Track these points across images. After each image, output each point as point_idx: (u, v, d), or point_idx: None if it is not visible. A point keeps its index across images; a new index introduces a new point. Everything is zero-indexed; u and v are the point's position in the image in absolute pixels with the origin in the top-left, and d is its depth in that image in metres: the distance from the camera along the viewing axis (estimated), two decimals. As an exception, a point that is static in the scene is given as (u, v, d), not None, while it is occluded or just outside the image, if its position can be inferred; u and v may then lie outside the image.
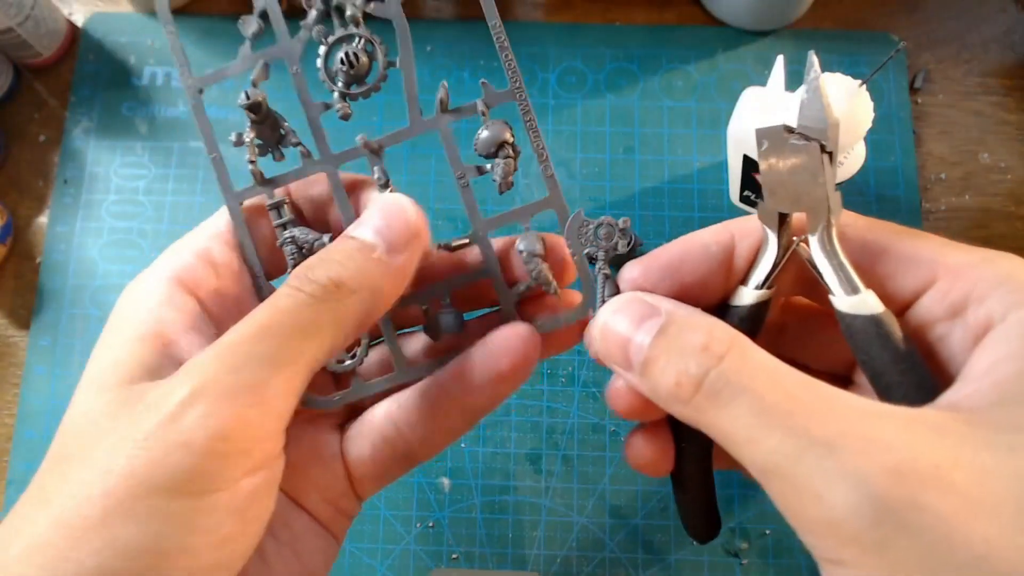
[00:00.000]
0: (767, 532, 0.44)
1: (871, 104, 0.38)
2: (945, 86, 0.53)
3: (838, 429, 0.17)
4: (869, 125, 0.38)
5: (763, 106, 0.42)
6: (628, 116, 0.52)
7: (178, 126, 0.51)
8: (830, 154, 0.22)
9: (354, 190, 0.28)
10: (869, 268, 0.23)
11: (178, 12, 0.54)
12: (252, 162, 0.27)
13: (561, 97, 0.52)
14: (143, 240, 0.49)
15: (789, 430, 0.18)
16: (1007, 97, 0.53)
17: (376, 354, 0.30)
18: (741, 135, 0.43)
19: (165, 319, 0.24)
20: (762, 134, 0.22)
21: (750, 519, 0.44)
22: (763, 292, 0.24)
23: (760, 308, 0.24)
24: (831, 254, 0.22)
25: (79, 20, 0.54)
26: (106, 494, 0.19)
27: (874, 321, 0.21)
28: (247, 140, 0.27)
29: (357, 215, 0.27)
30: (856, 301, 0.22)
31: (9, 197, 0.51)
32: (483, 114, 0.27)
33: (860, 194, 0.50)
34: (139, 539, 0.19)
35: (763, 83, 0.48)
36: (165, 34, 0.27)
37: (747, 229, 0.24)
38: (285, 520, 0.27)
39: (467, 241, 0.27)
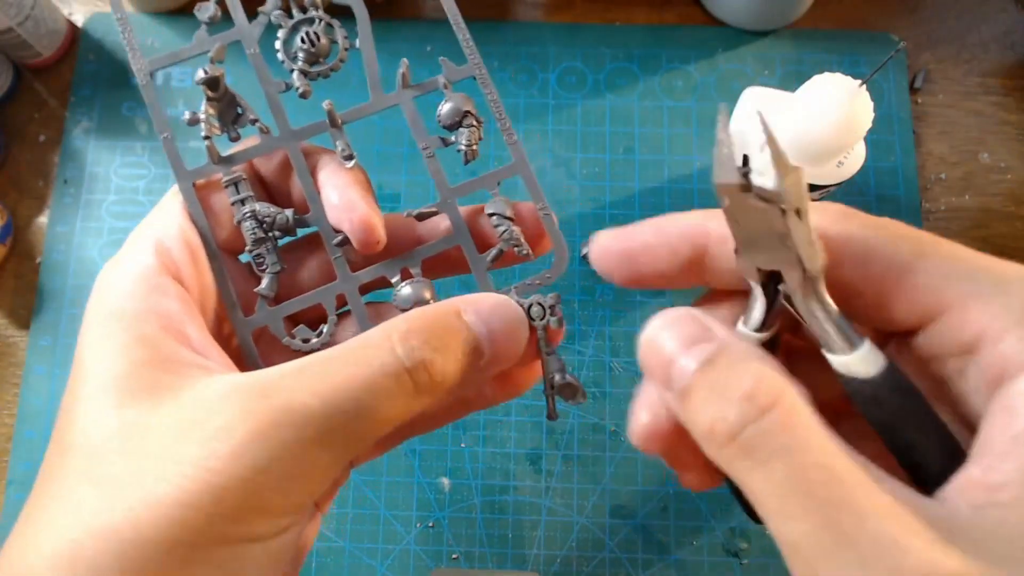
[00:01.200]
0: (767, 532, 0.44)
1: (871, 104, 0.38)
2: (945, 86, 0.53)
3: (874, 534, 0.16)
4: (869, 125, 0.38)
5: (763, 106, 0.42)
6: (628, 116, 0.52)
7: (178, 126, 0.51)
8: (798, 210, 0.19)
9: (313, 158, 0.27)
10: (865, 290, 0.20)
11: (178, 12, 0.54)
12: (207, 138, 0.26)
13: (561, 97, 0.52)
14: (143, 240, 0.49)
15: (824, 520, 0.16)
16: (1007, 97, 0.53)
17: (347, 330, 0.28)
18: (741, 135, 0.43)
19: (166, 311, 0.23)
20: (722, 190, 0.19)
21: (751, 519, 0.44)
22: (762, 335, 0.21)
23: (766, 345, 0.22)
24: (817, 309, 0.20)
25: (79, 20, 0.54)
26: (167, 540, 0.19)
27: (873, 384, 0.19)
28: (203, 117, 0.26)
29: (317, 188, 0.26)
30: (850, 361, 0.19)
31: (9, 197, 0.51)
32: (445, 87, 0.27)
33: (860, 194, 0.50)
34: None
35: (763, 83, 0.48)
36: (115, 21, 0.27)
37: (727, 234, 0.22)
38: None
39: (435, 209, 0.27)
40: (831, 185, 0.41)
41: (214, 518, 0.19)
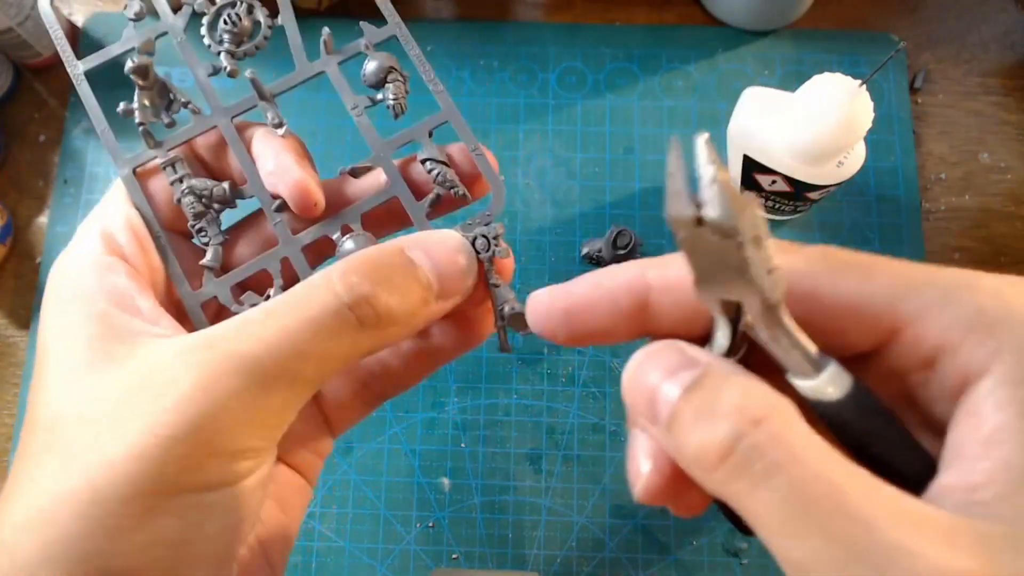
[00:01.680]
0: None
1: (871, 104, 0.38)
2: (945, 86, 0.53)
3: (884, 543, 0.16)
4: (869, 125, 0.38)
5: (763, 106, 0.42)
6: (628, 116, 0.52)
7: (178, 126, 0.51)
8: (756, 237, 0.18)
9: (247, 132, 0.28)
10: (816, 322, 0.20)
11: (177, 12, 0.54)
12: (141, 124, 0.28)
13: (561, 97, 0.52)
14: (143, 240, 0.49)
15: (832, 536, 0.16)
16: (1007, 97, 0.53)
17: None
18: (741, 135, 0.43)
19: (115, 287, 0.24)
20: (674, 223, 0.18)
21: (750, 519, 0.44)
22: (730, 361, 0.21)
23: None
24: (781, 336, 0.19)
25: (79, 20, 0.54)
26: (124, 495, 0.20)
27: (841, 405, 0.19)
28: (136, 106, 0.28)
29: (253, 159, 0.27)
30: (817, 385, 0.19)
31: (9, 197, 0.51)
32: (367, 49, 0.28)
33: (860, 194, 0.50)
34: (177, 531, 0.20)
35: (763, 83, 0.48)
36: (45, 20, 0.28)
37: (669, 280, 0.21)
38: (272, 475, 0.27)
39: (369, 164, 0.27)
40: (831, 185, 0.41)
41: (167, 468, 0.20)
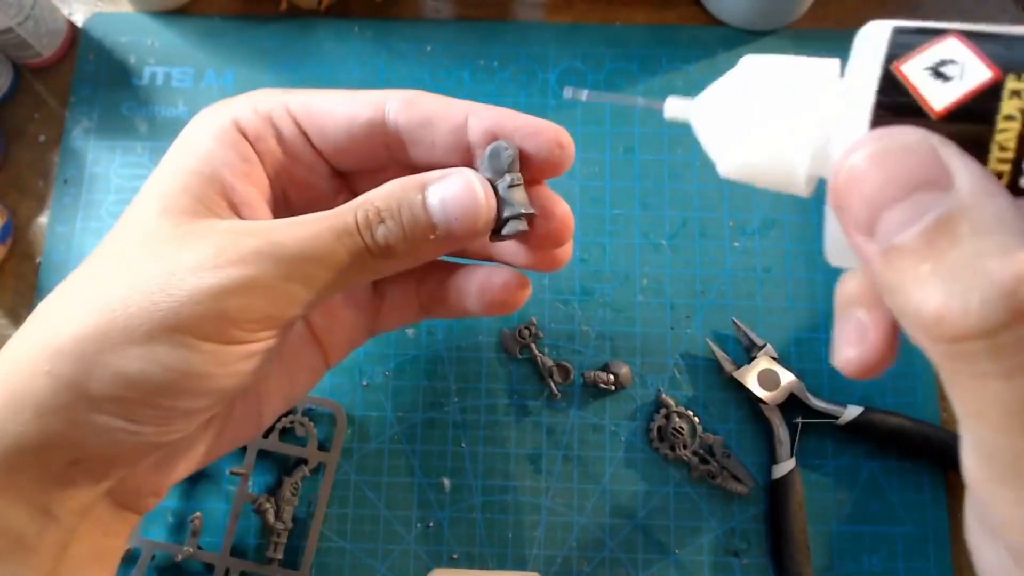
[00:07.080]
0: (767, 533, 0.44)
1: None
2: (945, 86, 0.53)
3: None
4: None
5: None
6: (628, 116, 0.52)
7: (178, 126, 0.51)
8: None
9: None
10: None
11: (178, 12, 0.54)
12: None
13: (561, 97, 0.52)
14: (143, 240, 0.49)
15: None
16: (1007, 97, 0.52)
17: None
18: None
19: (228, 162, 0.28)
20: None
21: (750, 519, 0.44)
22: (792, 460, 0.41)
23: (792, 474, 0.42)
24: None
25: (79, 20, 0.54)
26: (152, 320, 0.24)
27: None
28: None
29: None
30: None
31: (9, 197, 0.51)
32: None
33: (860, 194, 0.50)
34: (172, 359, 0.24)
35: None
36: None
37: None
38: (281, 352, 0.30)
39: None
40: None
41: (199, 323, 0.24)
